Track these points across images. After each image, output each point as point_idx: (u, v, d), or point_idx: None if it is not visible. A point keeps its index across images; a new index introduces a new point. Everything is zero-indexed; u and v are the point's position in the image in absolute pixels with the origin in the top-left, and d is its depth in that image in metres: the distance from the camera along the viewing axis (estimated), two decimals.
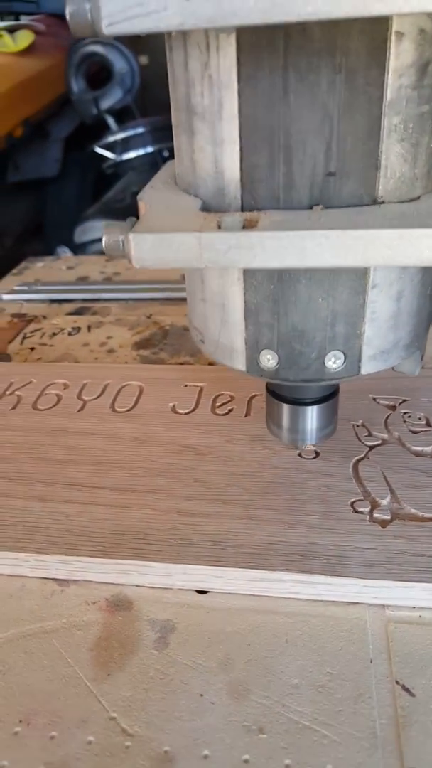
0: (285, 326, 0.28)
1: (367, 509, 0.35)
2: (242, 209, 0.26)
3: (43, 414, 0.45)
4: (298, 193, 0.25)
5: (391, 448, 0.39)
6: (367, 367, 0.29)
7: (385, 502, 0.35)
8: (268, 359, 0.29)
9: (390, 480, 0.37)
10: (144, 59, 1.96)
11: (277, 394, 0.34)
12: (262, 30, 0.22)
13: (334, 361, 0.28)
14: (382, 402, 0.44)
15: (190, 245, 0.23)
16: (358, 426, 0.41)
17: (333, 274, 0.26)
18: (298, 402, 0.33)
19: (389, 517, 0.34)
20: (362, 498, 0.36)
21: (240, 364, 0.30)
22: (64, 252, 1.63)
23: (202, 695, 0.28)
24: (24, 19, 2.00)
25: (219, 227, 0.23)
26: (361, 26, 0.22)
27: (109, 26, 0.20)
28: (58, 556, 0.33)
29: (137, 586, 0.33)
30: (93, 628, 0.31)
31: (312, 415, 0.34)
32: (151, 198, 0.27)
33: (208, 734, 0.27)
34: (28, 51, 1.71)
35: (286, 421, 0.35)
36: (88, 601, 0.33)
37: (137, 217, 0.26)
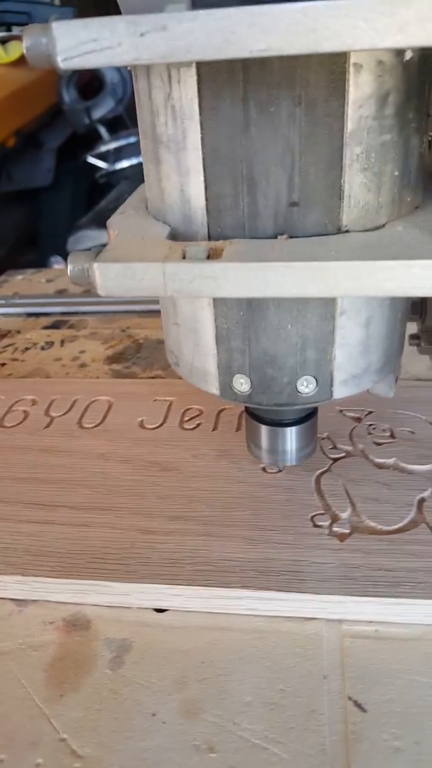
0: (256, 351, 0.28)
1: (327, 523, 0.35)
2: (209, 237, 0.26)
3: (9, 431, 0.45)
4: (262, 222, 0.25)
5: (354, 461, 0.39)
6: (340, 392, 0.29)
7: (345, 515, 0.35)
8: (242, 383, 0.29)
9: (351, 493, 0.37)
10: None
11: (255, 415, 0.34)
12: (221, 62, 0.22)
13: (306, 386, 0.29)
14: (348, 414, 0.44)
15: (154, 275, 0.23)
16: (323, 438, 0.41)
17: (301, 302, 0.27)
18: (277, 423, 0.34)
19: (348, 531, 0.34)
20: (323, 512, 0.36)
21: (214, 388, 0.30)
22: (58, 262, 1.63)
23: (154, 714, 0.28)
24: (16, 30, 2.01)
25: (184, 257, 0.24)
26: (319, 59, 0.22)
27: (65, 61, 0.21)
28: (15, 576, 0.33)
29: (96, 605, 0.33)
30: (49, 649, 0.32)
31: (291, 437, 0.34)
32: (119, 224, 0.27)
33: (158, 754, 0.27)
34: (20, 62, 1.72)
35: (265, 442, 0.34)
36: (46, 621, 0.33)
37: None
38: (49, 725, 0.28)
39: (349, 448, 0.41)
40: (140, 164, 0.28)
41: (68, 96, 1.81)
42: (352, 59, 0.22)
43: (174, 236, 0.26)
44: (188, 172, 0.25)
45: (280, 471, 0.39)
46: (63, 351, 0.58)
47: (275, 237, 0.25)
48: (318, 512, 0.36)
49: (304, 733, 0.27)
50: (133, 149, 1.73)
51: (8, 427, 0.45)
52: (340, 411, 0.44)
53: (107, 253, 0.25)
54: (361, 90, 0.22)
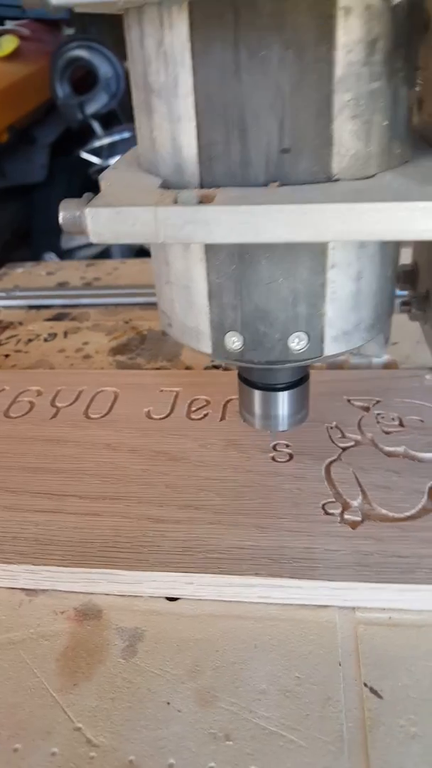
0: (248, 307, 0.28)
1: (338, 511, 0.35)
2: (201, 186, 0.26)
3: (15, 422, 0.45)
4: (254, 169, 0.25)
5: (363, 449, 0.39)
6: (330, 348, 0.29)
7: (356, 503, 0.35)
8: (234, 341, 0.29)
9: (361, 481, 0.37)
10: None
11: (248, 380, 0.34)
12: (212, 5, 0.22)
13: (297, 343, 0.29)
14: (356, 403, 0.43)
15: (146, 219, 0.24)
16: (331, 428, 0.41)
17: (292, 254, 0.27)
18: (269, 388, 0.34)
19: (360, 518, 0.34)
20: (333, 500, 0.36)
21: (206, 346, 0.30)
22: (51, 258, 1.62)
23: (168, 703, 0.28)
24: (9, 24, 2.00)
25: (175, 202, 0.24)
26: (308, 2, 0.22)
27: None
28: (25, 565, 0.33)
29: (106, 594, 0.33)
30: (60, 638, 0.31)
31: (283, 401, 0.34)
32: (111, 177, 0.28)
33: (174, 742, 0.27)
34: (13, 56, 1.71)
35: (257, 407, 0.35)
36: (57, 610, 0.33)
37: None
38: (63, 714, 0.28)
39: (358, 437, 0.40)
40: None
41: (62, 91, 1.80)
42: (341, 3, 0.22)
43: (166, 187, 0.26)
44: (180, 120, 0.25)
45: (290, 458, 0.39)
46: (66, 342, 0.58)
47: (267, 185, 0.25)
48: (329, 500, 0.36)
49: (320, 720, 0.27)
50: (127, 145, 1.72)
51: (14, 418, 0.45)
52: (348, 400, 0.44)
53: (99, 199, 0.25)
54: (349, 34, 0.23)
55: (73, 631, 0.32)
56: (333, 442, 0.40)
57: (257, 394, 0.34)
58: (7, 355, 0.56)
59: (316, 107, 0.24)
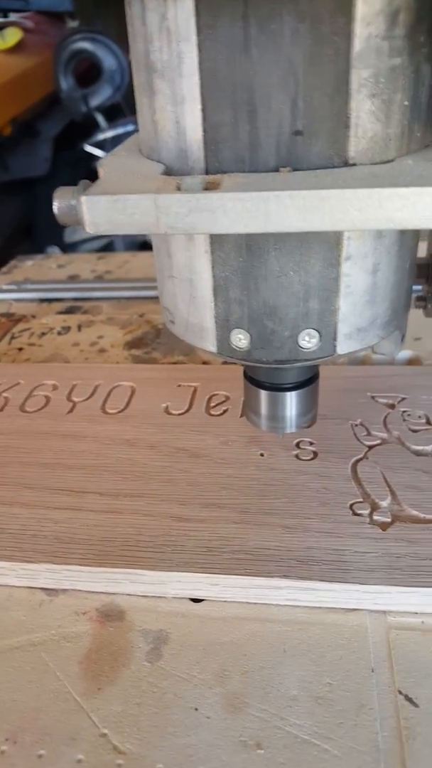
0: (256, 302, 0.26)
1: (367, 511, 0.34)
2: (206, 173, 0.24)
3: (32, 416, 0.44)
4: (264, 153, 0.23)
5: (390, 448, 0.38)
6: (343, 346, 0.28)
7: (385, 503, 0.34)
8: (240, 339, 0.28)
9: (390, 481, 0.36)
10: None
11: (254, 380, 0.33)
12: None
13: (308, 340, 0.27)
14: (380, 400, 0.42)
15: (146, 208, 0.22)
16: (356, 425, 0.40)
17: (304, 245, 0.25)
18: (277, 388, 0.32)
19: (389, 520, 0.33)
20: (361, 500, 0.35)
21: (210, 344, 0.29)
22: (54, 252, 1.61)
23: (196, 709, 0.27)
24: (12, 17, 1.99)
25: (179, 189, 0.22)
26: None
27: None
28: (46, 564, 0.32)
29: (129, 595, 0.32)
30: (83, 640, 0.30)
31: (291, 402, 0.32)
32: (110, 164, 0.26)
33: (204, 750, 0.26)
34: (17, 49, 1.70)
35: (264, 408, 0.33)
36: (78, 611, 0.32)
37: None
38: (88, 720, 0.27)
39: (384, 435, 0.39)
40: None
41: (65, 83, 1.79)
42: None
43: (168, 173, 0.25)
44: (184, 101, 0.24)
45: (315, 457, 0.38)
46: (80, 336, 0.57)
47: (277, 171, 0.23)
48: (357, 500, 0.35)
49: (354, 728, 0.26)
50: None
51: (30, 412, 0.44)
52: (372, 397, 0.43)
53: (96, 186, 0.23)
54: (369, 5, 0.21)
55: (95, 633, 0.31)
56: (358, 440, 0.39)
57: (264, 395, 0.32)
58: (20, 349, 0.55)
59: (331, 85, 0.22)
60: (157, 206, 0.22)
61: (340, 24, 0.21)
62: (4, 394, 0.46)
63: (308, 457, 0.38)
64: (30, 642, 0.30)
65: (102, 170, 0.25)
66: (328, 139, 0.23)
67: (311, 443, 0.39)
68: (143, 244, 1.63)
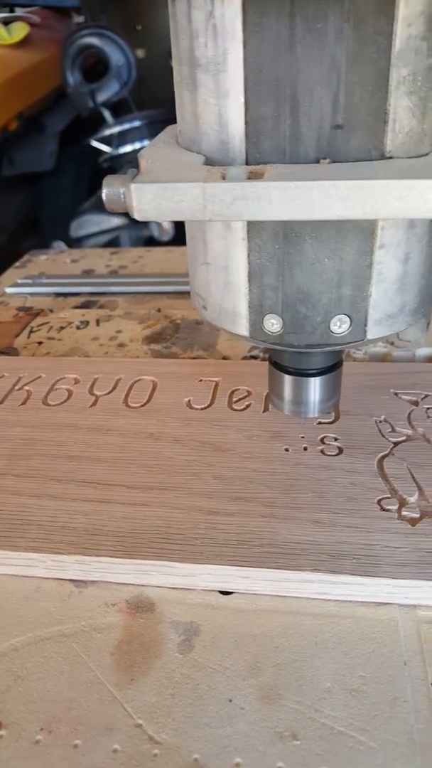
0: (290, 288, 0.27)
1: (395, 507, 0.34)
2: (247, 163, 0.25)
3: (54, 409, 0.44)
4: (304, 146, 0.24)
5: (416, 444, 0.38)
6: (373, 332, 0.28)
7: (413, 499, 0.34)
8: (273, 323, 0.28)
9: (417, 477, 0.36)
10: (141, 52, 1.93)
11: (279, 365, 0.33)
12: None
13: (339, 326, 0.28)
14: (404, 397, 0.42)
15: (194, 196, 0.23)
16: (380, 422, 0.40)
17: (339, 233, 0.26)
18: (302, 373, 0.33)
19: (418, 515, 0.33)
20: (389, 495, 0.35)
21: (243, 329, 0.29)
22: (60, 247, 1.61)
23: (230, 700, 0.27)
24: (19, 11, 1.98)
25: (223, 178, 0.23)
26: None
27: None
28: (76, 556, 0.32)
29: (158, 587, 0.32)
30: (114, 631, 0.30)
31: (315, 387, 0.33)
32: (151, 155, 0.27)
33: (239, 741, 0.26)
34: (23, 43, 1.70)
35: (288, 392, 0.34)
36: (108, 602, 0.32)
37: None
38: (123, 710, 0.27)
39: (409, 431, 0.39)
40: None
41: (72, 78, 1.78)
42: None
43: (209, 164, 0.25)
44: (227, 95, 0.24)
45: (340, 452, 0.38)
46: (99, 330, 0.56)
47: (316, 162, 0.24)
48: (384, 496, 0.35)
49: (389, 721, 0.26)
50: (137, 133, 1.71)
51: (53, 406, 0.44)
52: (395, 394, 0.43)
53: (144, 175, 0.24)
54: (411, 7, 0.22)
55: (126, 624, 0.31)
56: (383, 436, 0.39)
57: (288, 379, 0.33)
58: (40, 342, 0.55)
59: (372, 82, 0.23)
60: (205, 194, 0.23)
61: (382, 24, 0.22)
62: (26, 387, 0.46)
63: (333, 453, 0.38)
64: (61, 633, 0.30)
65: (143, 161, 0.26)
66: (366, 133, 0.24)
67: (336, 439, 0.39)
68: (149, 240, 1.63)
